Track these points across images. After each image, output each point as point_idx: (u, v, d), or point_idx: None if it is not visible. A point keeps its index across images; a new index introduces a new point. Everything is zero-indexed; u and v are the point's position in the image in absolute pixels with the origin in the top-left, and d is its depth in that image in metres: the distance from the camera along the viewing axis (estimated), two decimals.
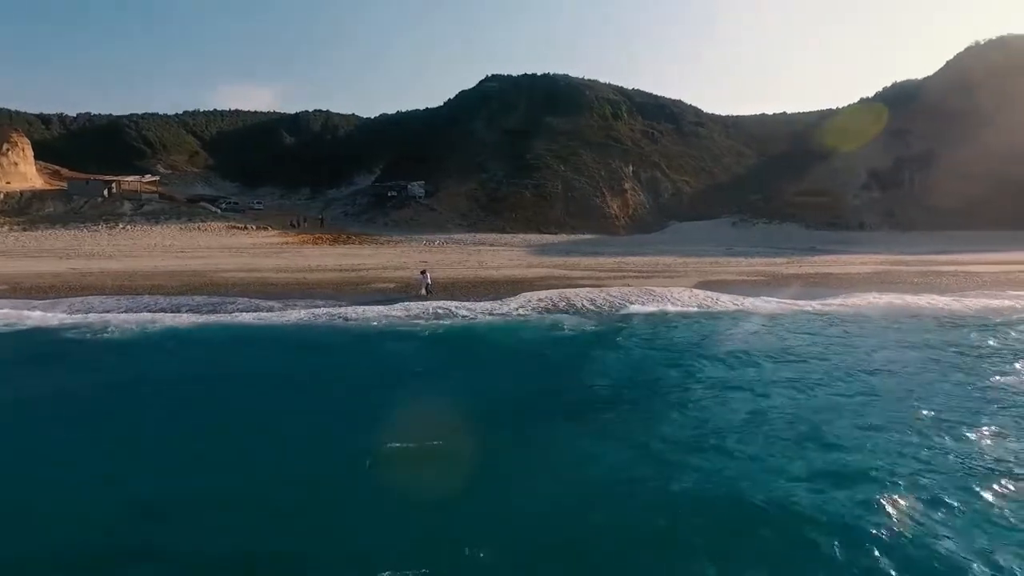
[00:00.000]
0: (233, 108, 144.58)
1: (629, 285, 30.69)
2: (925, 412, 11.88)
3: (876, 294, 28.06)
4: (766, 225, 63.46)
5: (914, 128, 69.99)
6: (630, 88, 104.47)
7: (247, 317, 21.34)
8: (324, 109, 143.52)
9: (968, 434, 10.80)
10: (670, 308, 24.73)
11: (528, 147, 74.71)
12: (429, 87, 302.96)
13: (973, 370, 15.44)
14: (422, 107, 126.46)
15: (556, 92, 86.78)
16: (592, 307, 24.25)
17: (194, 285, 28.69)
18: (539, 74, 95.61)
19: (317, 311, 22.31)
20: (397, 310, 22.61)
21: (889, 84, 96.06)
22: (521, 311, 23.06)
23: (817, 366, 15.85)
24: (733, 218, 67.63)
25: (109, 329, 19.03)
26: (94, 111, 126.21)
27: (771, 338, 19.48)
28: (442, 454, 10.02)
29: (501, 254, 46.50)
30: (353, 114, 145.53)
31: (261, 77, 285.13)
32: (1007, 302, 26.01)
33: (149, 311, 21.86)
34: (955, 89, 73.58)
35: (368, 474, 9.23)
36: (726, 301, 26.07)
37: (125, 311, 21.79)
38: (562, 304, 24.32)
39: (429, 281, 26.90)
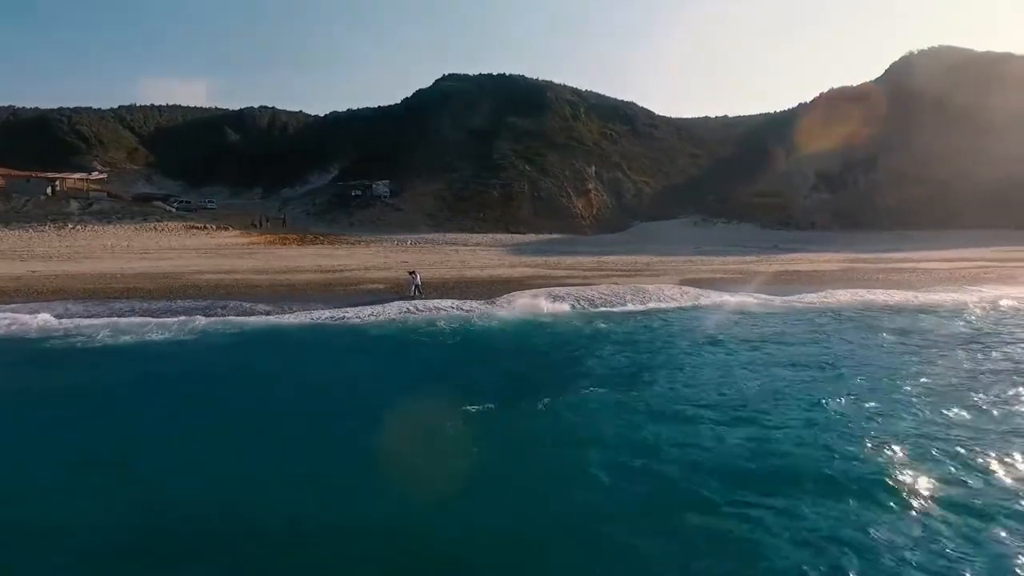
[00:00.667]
0: (172, 103, 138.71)
1: (617, 283, 31.42)
2: (919, 389, 12.80)
3: (851, 290, 29.70)
4: (725, 225, 65.88)
5: (857, 132, 74.06)
6: (584, 89, 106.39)
7: (258, 320, 20.74)
8: (270, 106, 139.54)
9: (949, 407, 11.72)
10: (664, 305, 25.43)
11: (493, 147, 74.93)
12: (379, 85, 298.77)
13: (949, 354, 16.77)
14: (374, 105, 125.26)
15: (517, 92, 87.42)
16: (592, 305, 24.67)
17: (174, 288, 27.50)
18: (497, 74, 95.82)
19: (316, 314, 21.79)
20: (397, 310, 22.40)
21: (826, 89, 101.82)
22: (530, 310, 23.20)
23: (825, 351, 16.86)
24: (693, 218, 69.86)
25: (103, 335, 18.05)
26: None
27: (769, 330, 20.48)
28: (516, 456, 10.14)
29: (480, 254, 46.54)
30: (301, 111, 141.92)
31: (188, 71, 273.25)
32: (964, 296, 27.98)
33: (147, 316, 20.84)
34: (893, 96, 78.37)
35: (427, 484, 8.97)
36: (715, 297, 27.02)
37: (109, 315, 20.68)
38: (567, 302, 24.62)
39: (419, 282, 26.65)
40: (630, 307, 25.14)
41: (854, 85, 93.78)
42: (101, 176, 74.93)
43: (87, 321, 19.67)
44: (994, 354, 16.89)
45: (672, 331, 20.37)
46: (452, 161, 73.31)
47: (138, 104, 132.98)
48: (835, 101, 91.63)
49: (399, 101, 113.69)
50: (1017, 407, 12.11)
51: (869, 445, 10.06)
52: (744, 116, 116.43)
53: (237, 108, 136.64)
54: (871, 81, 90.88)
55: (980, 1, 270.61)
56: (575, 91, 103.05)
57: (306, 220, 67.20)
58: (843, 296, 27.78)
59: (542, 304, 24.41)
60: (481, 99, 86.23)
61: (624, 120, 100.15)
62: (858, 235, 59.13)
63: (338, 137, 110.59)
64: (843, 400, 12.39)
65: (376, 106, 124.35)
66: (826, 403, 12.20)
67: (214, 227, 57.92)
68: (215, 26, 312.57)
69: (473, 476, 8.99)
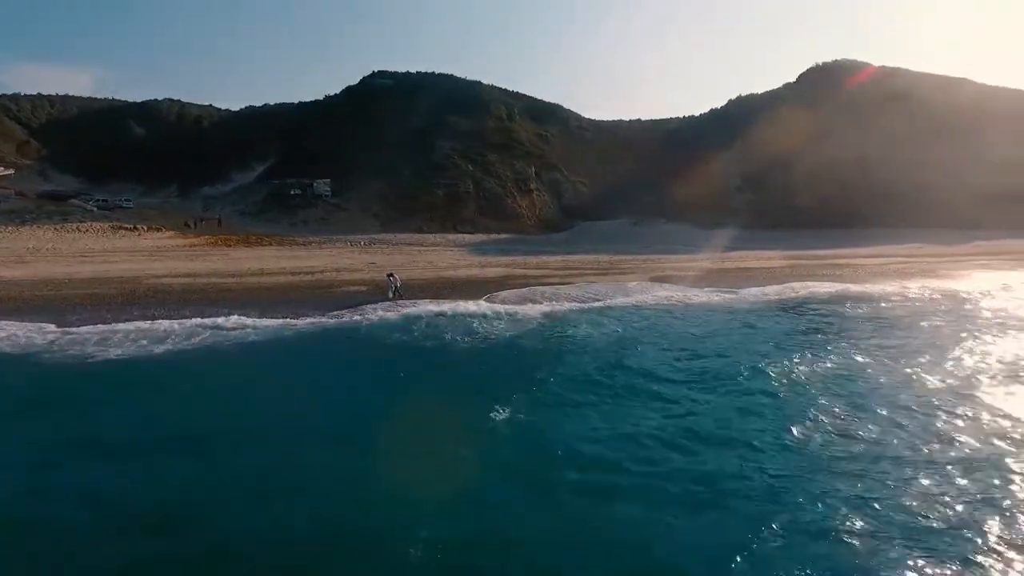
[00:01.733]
0: (62, 93, 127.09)
1: (594, 281, 32.68)
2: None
3: (804, 283, 32.56)
4: (665, 225, 68.99)
5: (771, 137, 79.79)
6: (513, 90, 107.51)
7: (270, 324, 20.09)
8: (176, 98, 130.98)
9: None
10: (652, 300, 26.79)
11: (434, 146, 74.54)
12: (293, 80, 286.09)
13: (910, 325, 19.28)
14: (294, 101, 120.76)
15: (456, 92, 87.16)
16: (584, 301, 25.59)
17: (138, 294, 25.91)
18: (430, 72, 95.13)
19: (318, 319, 21.31)
20: (401, 312, 22.36)
21: (734, 96, 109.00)
22: (544, 309, 23.76)
23: (825, 332, 18.72)
24: (634, 218, 72.68)
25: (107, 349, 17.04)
26: None
27: (757, 318, 22.40)
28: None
29: (444, 254, 46.46)
30: (211, 105, 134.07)
31: (71, 58, 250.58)
32: (899, 287, 31.33)
33: (144, 324, 19.66)
34: (802, 103, 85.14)
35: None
36: (690, 294, 28.45)
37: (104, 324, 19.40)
38: (562, 300, 25.42)
39: (398, 284, 26.49)
40: (620, 301, 26.33)
41: (763, 92, 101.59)
42: (8, 173, 67.71)
43: (87, 330, 18.36)
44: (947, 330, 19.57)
45: (684, 323, 21.68)
46: (394, 160, 72.12)
47: (23, 93, 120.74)
48: (749, 105, 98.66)
49: (323, 97, 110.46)
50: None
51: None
52: (664, 119, 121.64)
53: (139, 100, 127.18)
54: (782, 87, 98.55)
55: (882, 19, 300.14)
56: (504, 91, 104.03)
57: (242, 221, 64.01)
58: (801, 289, 30.43)
59: (543, 302, 25.15)
60: (418, 97, 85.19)
61: (554, 121, 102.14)
62: (781, 234, 63.72)
63: (261, 133, 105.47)
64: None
65: (297, 102, 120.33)
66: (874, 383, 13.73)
67: (144, 228, 54.07)
68: (96, 13, 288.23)
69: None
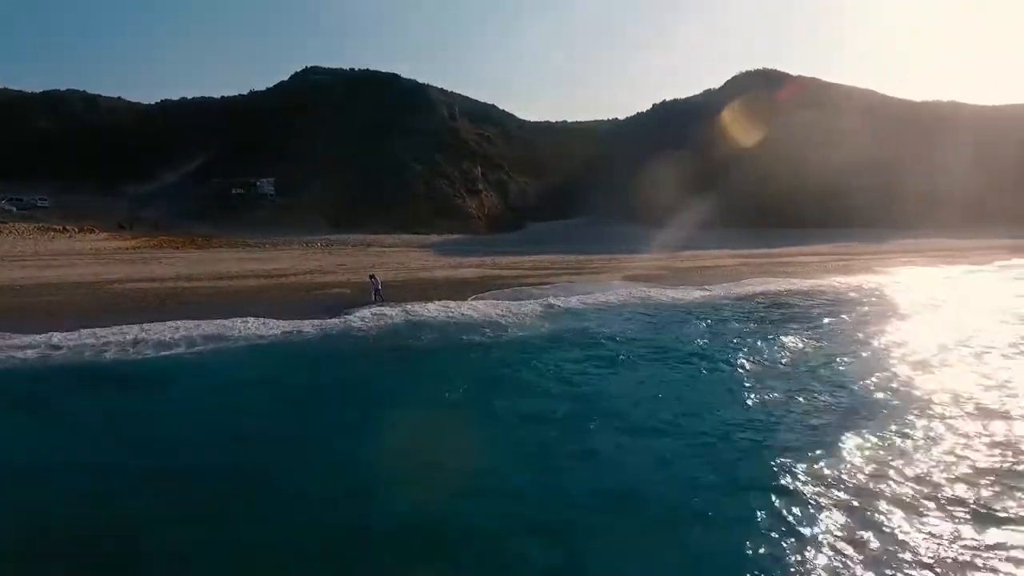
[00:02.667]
0: None
1: (572, 281, 33.55)
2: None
3: (761, 279, 34.80)
4: (613, 225, 70.86)
5: (709, 140, 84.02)
6: (449, 90, 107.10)
7: (273, 330, 19.48)
8: (81, 89, 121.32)
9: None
10: (637, 296, 27.85)
11: (382, 146, 73.28)
12: (205, 74, 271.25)
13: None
14: (215, 95, 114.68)
15: (401, 92, 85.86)
16: (585, 303, 26.26)
17: (104, 300, 24.38)
18: (369, 70, 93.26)
19: (321, 321, 20.86)
20: (402, 316, 22.23)
21: (659, 101, 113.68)
22: (538, 308, 24.12)
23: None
24: (584, 219, 74.33)
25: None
26: None
27: (745, 312, 23.99)
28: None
29: (411, 255, 46.08)
30: (120, 98, 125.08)
31: None
32: (836, 282, 34.07)
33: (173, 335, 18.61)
34: (733, 108, 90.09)
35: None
36: (669, 292, 29.64)
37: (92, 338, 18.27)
38: (556, 299, 25.99)
39: (379, 286, 26.21)
40: (610, 298, 27.15)
41: (681, 98, 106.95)
42: None
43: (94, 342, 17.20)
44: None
45: (690, 316, 22.78)
46: (340, 160, 70.48)
47: None
48: (678, 109, 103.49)
49: (247, 92, 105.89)
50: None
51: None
52: (595, 121, 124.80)
53: (38, 90, 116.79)
54: (705, 92, 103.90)
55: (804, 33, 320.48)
56: (443, 92, 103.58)
57: (182, 221, 60.62)
58: (760, 285, 32.51)
59: (534, 301, 25.63)
60: (360, 96, 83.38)
61: (492, 122, 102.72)
62: (727, 233, 67.08)
63: (186, 129, 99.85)
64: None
65: (220, 96, 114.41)
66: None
67: (75, 229, 50.20)
68: None
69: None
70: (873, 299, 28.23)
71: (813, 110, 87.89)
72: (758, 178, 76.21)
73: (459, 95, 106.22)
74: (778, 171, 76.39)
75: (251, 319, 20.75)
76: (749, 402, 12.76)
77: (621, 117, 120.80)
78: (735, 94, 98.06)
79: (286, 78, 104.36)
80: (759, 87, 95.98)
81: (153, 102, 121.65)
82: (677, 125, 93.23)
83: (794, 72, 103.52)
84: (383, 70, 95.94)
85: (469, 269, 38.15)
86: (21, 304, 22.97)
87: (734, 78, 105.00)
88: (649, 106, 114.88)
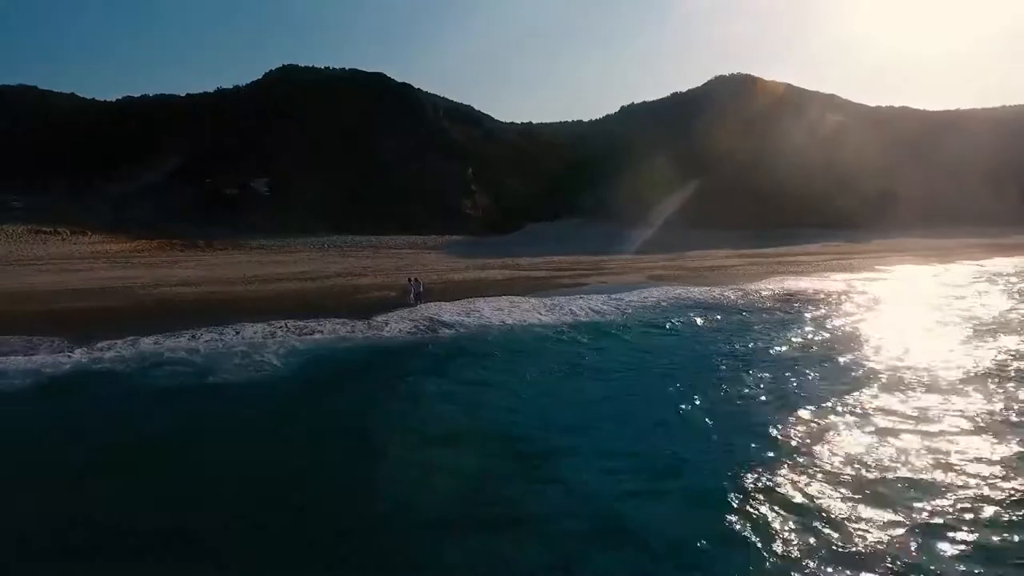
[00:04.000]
0: None
1: (605, 281, 34.28)
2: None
3: (778, 278, 36.16)
4: (610, 226, 71.54)
5: (692, 140, 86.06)
6: (428, 91, 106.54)
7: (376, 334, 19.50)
8: (31, 84, 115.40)
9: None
10: (689, 294, 28.58)
11: (372, 146, 72.63)
12: (165, 67, 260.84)
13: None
14: (178, 93, 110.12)
15: (387, 91, 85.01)
16: (636, 306, 26.86)
17: (151, 306, 24.00)
18: (363, 71, 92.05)
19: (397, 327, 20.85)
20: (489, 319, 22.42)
21: (627, 103, 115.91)
22: (611, 305, 24.65)
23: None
24: (577, 220, 75.10)
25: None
26: None
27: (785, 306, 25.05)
28: None
29: (429, 257, 46.24)
30: (73, 94, 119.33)
31: None
32: (855, 281, 35.58)
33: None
34: (710, 113, 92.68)
35: None
36: (702, 292, 30.50)
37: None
38: (616, 298, 26.56)
39: (421, 289, 26.21)
40: (658, 296, 27.79)
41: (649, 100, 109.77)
42: None
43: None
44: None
45: (746, 313, 23.63)
46: (331, 160, 69.50)
47: None
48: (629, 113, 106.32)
49: (213, 90, 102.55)
50: None
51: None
52: (570, 122, 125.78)
53: None
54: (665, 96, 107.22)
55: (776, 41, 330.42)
56: (421, 91, 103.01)
57: (174, 222, 58.74)
58: (779, 282, 33.72)
59: (597, 299, 26.16)
60: (346, 95, 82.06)
61: (473, 123, 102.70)
62: (719, 233, 68.58)
63: (156, 127, 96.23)
64: None
65: (185, 94, 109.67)
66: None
67: (68, 231, 48.24)
68: None
69: None
70: (905, 293, 29.84)
71: (791, 115, 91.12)
72: (743, 179, 78.66)
73: (439, 96, 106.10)
74: (762, 173, 79.02)
75: (333, 319, 20.65)
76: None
77: (585, 119, 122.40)
78: (714, 96, 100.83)
79: (259, 76, 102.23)
80: (738, 90, 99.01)
81: (112, 99, 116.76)
82: (658, 125, 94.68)
83: (768, 77, 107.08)
84: (349, 67, 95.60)
85: (495, 270, 38.45)
86: (74, 309, 22.29)
87: (715, 79, 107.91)
88: (617, 108, 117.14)
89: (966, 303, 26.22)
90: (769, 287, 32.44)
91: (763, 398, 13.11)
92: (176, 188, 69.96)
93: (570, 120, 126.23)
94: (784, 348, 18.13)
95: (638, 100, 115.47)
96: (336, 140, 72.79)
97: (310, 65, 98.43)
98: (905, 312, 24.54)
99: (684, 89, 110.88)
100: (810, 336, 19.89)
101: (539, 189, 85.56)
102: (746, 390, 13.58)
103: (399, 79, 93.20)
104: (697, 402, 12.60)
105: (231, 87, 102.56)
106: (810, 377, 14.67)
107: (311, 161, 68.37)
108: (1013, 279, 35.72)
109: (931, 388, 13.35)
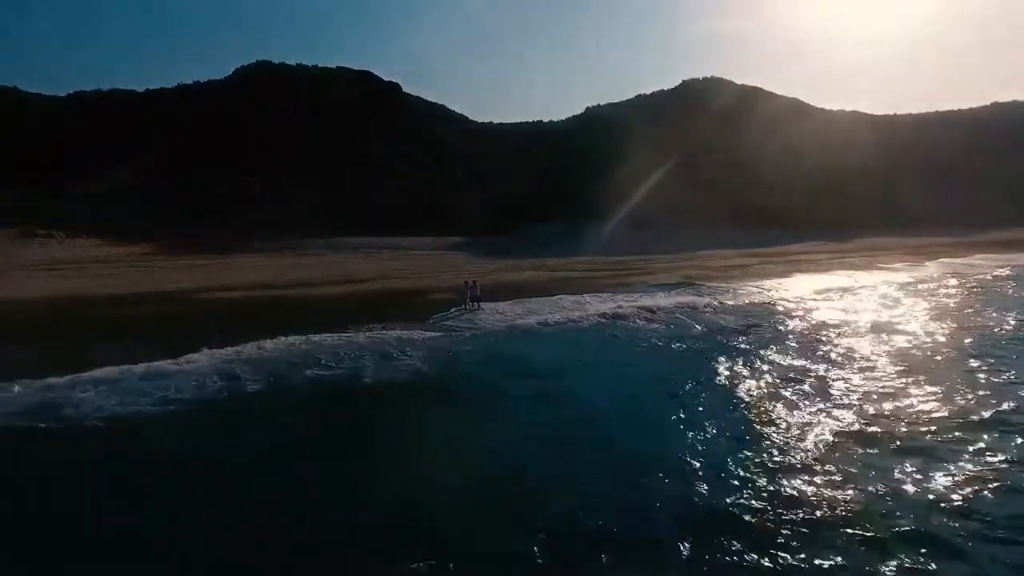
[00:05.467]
0: None
1: (647, 281, 34.59)
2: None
3: (805, 275, 37.29)
4: (598, 227, 72.12)
5: (672, 141, 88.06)
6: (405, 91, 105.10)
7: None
8: None
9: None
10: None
11: (361, 146, 71.08)
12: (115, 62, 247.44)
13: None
14: (135, 88, 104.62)
15: (374, 88, 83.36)
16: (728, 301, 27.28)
17: (234, 313, 23.07)
18: (348, 68, 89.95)
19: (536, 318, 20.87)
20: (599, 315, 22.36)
21: (593, 105, 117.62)
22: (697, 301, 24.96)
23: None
24: (565, 221, 75.15)
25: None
26: None
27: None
28: None
29: (455, 259, 45.45)
30: (16, 88, 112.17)
31: None
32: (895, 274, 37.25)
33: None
34: (684, 114, 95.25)
35: None
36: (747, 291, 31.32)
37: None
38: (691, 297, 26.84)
39: (479, 292, 25.96)
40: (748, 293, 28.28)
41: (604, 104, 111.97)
42: None
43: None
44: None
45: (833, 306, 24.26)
46: (321, 160, 67.72)
47: None
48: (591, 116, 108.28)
49: (174, 85, 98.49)
50: None
51: None
52: (543, 122, 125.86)
53: None
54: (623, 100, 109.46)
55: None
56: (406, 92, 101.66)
57: (160, 224, 55.80)
58: (805, 279, 34.83)
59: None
60: (330, 95, 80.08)
61: (452, 123, 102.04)
62: (692, 232, 70.19)
63: (121, 123, 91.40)
64: None
65: (144, 90, 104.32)
66: None
67: (61, 235, 45.34)
68: None
69: None
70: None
71: (758, 118, 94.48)
72: (727, 179, 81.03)
73: (414, 95, 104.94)
74: (744, 173, 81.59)
75: (412, 322, 20.08)
76: None
77: (546, 120, 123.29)
78: (683, 100, 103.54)
79: (229, 72, 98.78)
80: (705, 94, 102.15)
81: (61, 94, 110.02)
82: (643, 124, 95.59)
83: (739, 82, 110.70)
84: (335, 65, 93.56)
85: (529, 272, 38.26)
86: (158, 315, 21.07)
87: (684, 83, 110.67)
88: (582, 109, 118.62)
89: None
90: (797, 283, 33.38)
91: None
92: (155, 188, 66.67)
93: (545, 120, 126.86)
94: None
95: (615, 99, 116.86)
96: (321, 139, 71.06)
97: (283, 61, 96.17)
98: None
99: (668, 87, 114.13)
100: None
101: (528, 190, 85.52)
102: None
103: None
104: None
105: (195, 82, 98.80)
106: None
107: (300, 161, 66.42)
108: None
109: None
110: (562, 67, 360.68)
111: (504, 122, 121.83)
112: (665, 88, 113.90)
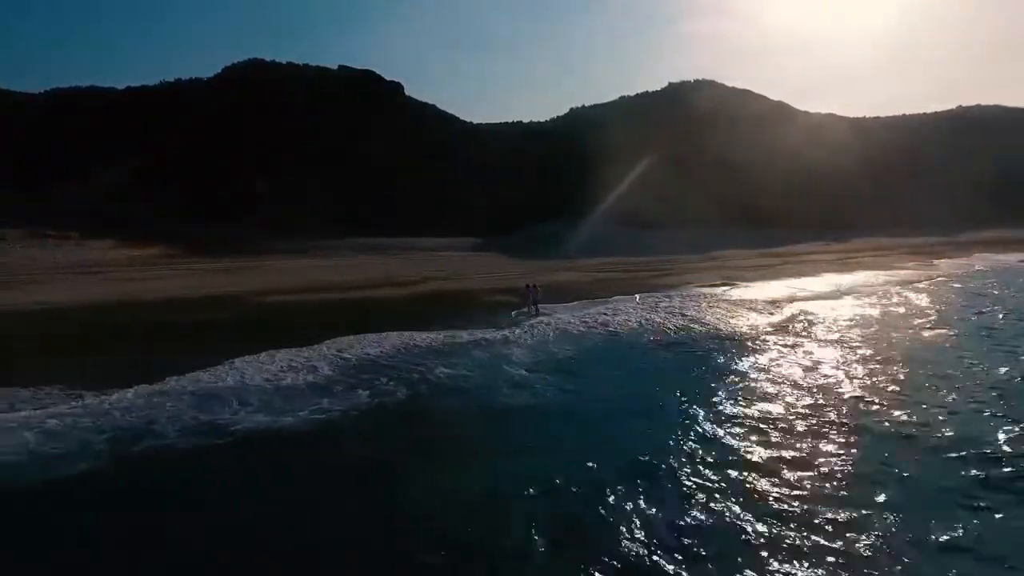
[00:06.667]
0: None
1: (690, 282, 35.02)
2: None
3: (832, 275, 38.26)
4: (602, 225, 72.44)
5: (665, 140, 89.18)
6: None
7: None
8: None
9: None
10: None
11: (368, 148, 70.22)
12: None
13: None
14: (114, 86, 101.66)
15: (372, 89, 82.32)
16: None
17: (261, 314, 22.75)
18: (350, 68, 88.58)
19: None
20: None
21: (573, 106, 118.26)
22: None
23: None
24: (575, 219, 75.31)
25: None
26: None
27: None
28: None
29: (484, 260, 45.24)
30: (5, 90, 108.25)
31: None
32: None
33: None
34: (674, 113, 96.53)
35: None
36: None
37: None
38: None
39: (539, 296, 26.05)
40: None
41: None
42: None
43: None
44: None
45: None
46: (324, 161, 66.65)
47: None
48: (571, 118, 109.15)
49: (158, 83, 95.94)
50: None
51: None
52: (519, 123, 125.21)
53: None
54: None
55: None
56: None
57: (169, 224, 54.38)
58: (838, 277, 35.70)
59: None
60: (327, 95, 78.72)
61: (446, 122, 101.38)
62: (688, 232, 71.12)
63: (104, 121, 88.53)
64: None
65: (125, 87, 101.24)
66: None
67: (76, 235, 43.89)
68: None
69: None
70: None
71: (747, 119, 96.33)
72: (736, 177, 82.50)
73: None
74: (739, 174, 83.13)
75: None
76: None
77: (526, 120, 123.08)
78: (671, 99, 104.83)
79: (218, 71, 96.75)
80: (693, 96, 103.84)
81: (36, 91, 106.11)
82: (638, 125, 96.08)
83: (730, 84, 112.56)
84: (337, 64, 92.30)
85: (565, 273, 38.29)
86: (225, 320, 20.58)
87: (673, 85, 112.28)
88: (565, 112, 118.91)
89: None
90: (841, 280, 34.34)
91: None
92: (150, 188, 64.73)
93: (526, 120, 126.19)
94: None
95: (602, 99, 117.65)
96: (324, 141, 69.90)
97: (278, 61, 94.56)
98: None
99: (658, 87, 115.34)
100: None
101: (528, 189, 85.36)
102: None
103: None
104: None
105: (171, 80, 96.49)
106: None
107: (301, 160, 65.30)
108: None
109: None
110: (546, 68, 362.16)
111: (484, 122, 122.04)
112: (650, 90, 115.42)
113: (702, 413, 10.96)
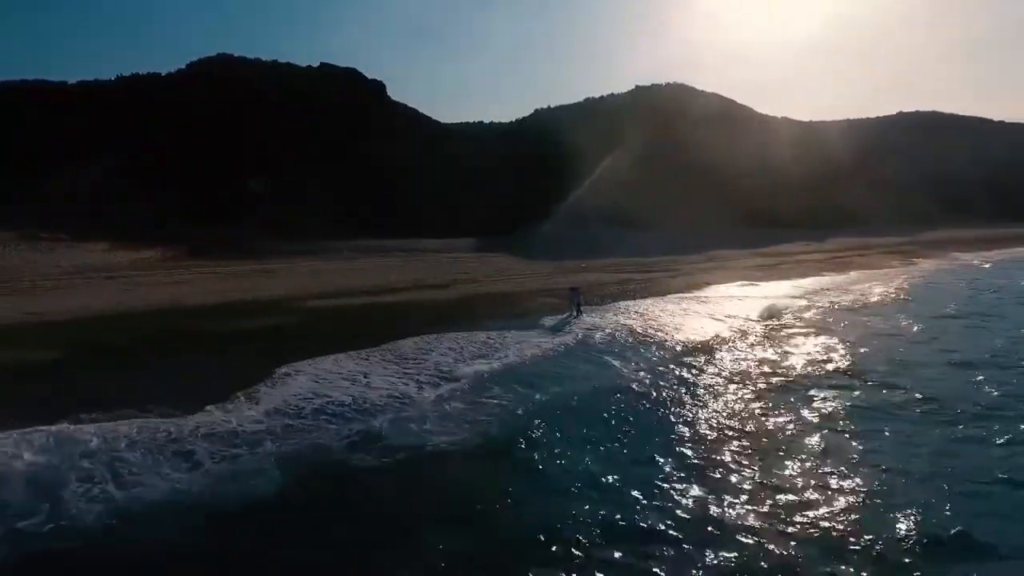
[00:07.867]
0: None
1: (709, 282, 35.89)
2: None
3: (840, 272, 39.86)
4: (599, 228, 73.27)
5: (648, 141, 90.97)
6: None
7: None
8: None
9: None
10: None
11: (367, 149, 68.96)
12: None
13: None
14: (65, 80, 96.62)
15: (362, 89, 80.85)
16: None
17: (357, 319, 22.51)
18: (334, 66, 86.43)
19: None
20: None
21: (538, 108, 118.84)
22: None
23: None
24: (569, 221, 75.86)
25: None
26: None
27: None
28: None
29: (498, 262, 45.06)
30: None
31: None
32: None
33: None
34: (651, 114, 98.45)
35: None
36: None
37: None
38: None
39: (581, 299, 26.44)
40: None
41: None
42: None
43: None
44: None
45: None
46: (318, 163, 65.22)
47: None
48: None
49: (114, 78, 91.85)
50: None
51: None
52: (491, 123, 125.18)
53: None
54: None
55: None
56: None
57: (161, 225, 52.11)
58: (862, 276, 37.48)
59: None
60: (315, 94, 76.74)
61: (426, 125, 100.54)
62: (708, 234, 72.97)
63: (82, 117, 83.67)
64: None
65: (76, 81, 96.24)
66: None
67: (67, 237, 41.47)
68: None
69: None
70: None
71: (728, 123, 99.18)
72: (714, 178, 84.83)
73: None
74: (725, 174, 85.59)
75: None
76: None
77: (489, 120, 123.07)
78: (645, 101, 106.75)
79: (183, 66, 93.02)
80: (669, 97, 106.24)
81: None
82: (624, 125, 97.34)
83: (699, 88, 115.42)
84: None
85: (593, 273, 38.64)
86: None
87: (643, 87, 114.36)
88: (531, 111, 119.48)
89: None
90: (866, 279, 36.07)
91: None
92: (135, 186, 61.80)
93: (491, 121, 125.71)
94: None
95: (568, 100, 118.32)
96: (318, 141, 68.36)
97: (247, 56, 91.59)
98: None
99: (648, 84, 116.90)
100: None
101: (505, 188, 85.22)
102: None
103: None
104: None
105: (129, 75, 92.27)
106: None
107: (296, 161, 63.70)
108: None
109: None
110: (509, 67, 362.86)
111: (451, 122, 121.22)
112: (616, 92, 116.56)
113: None
